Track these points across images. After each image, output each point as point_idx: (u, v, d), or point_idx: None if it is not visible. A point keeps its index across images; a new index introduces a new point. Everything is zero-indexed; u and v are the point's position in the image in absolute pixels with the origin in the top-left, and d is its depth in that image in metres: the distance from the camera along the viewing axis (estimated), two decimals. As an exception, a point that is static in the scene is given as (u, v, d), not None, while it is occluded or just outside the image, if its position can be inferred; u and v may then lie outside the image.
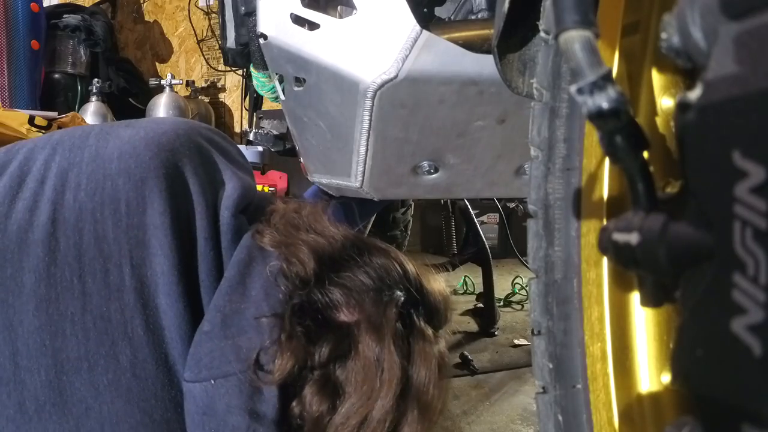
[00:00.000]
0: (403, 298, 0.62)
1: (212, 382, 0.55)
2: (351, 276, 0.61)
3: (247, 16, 1.41)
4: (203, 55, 3.40)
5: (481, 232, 2.22)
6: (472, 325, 2.20)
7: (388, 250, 0.66)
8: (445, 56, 0.77)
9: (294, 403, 0.57)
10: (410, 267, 0.65)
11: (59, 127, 1.73)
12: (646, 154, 0.35)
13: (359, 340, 0.58)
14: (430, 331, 0.63)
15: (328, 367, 0.58)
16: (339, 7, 0.93)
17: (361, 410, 0.57)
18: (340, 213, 1.22)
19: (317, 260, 0.61)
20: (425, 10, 0.92)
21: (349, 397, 0.57)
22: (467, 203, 2.26)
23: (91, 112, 2.90)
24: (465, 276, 2.65)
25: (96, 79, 3.02)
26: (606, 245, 0.37)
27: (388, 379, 0.57)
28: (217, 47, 3.23)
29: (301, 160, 1.29)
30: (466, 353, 1.85)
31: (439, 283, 0.68)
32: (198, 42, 3.40)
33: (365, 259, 0.63)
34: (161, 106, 2.98)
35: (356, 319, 0.59)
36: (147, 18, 3.67)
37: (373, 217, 1.80)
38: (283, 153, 1.87)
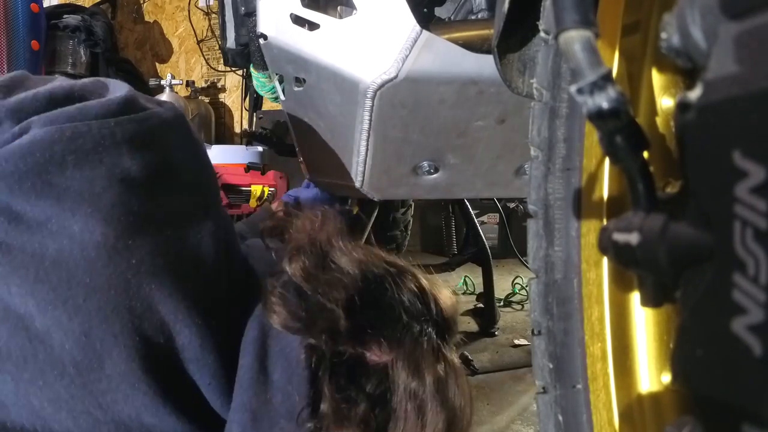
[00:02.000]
0: (434, 333, 0.60)
1: None
2: (381, 315, 0.59)
3: (247, 16, 1.41)
4: (203, 56, 3.41)
5: (481, 232, 2.22)
6: (472, 325, 2.20)
7: (407, 272, 0.63)
8: (445, 56, 0.77)
9: None
10: (431, 291, 0.62)
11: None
12: (646, 154, 0.35)
13: (396, 380, 0.57)
14: (456, 359, 0.62)
15: (370, 416, 0.56)
16: (339, 7, 0.93)
17: None
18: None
19: (347, 312, 0.57)
20: (425, 10, 0.92)
21: None
22: (467, 203, 2.26)
23: (91, 113, 2.89)
24: (465, 276, 2.65)
25: (96, 80, 3.02)
26: (606, 245, 0.37)
27: (431, 419, 0.57)
28: (217, 47, 3.23)
29: (301, 160, 1.29)
30: (466, 353, 1.84)
31: (447, 292, 0.65)
32: (198, 42, 3.40)
33: (391, 293, 0.60)
34: (161, 107, 2.98)
35: (391, 359, 0.58)
36: (147, 18, 3.67)
37: (373, 218, 1.80)
38: (283, 153, 1.87)
